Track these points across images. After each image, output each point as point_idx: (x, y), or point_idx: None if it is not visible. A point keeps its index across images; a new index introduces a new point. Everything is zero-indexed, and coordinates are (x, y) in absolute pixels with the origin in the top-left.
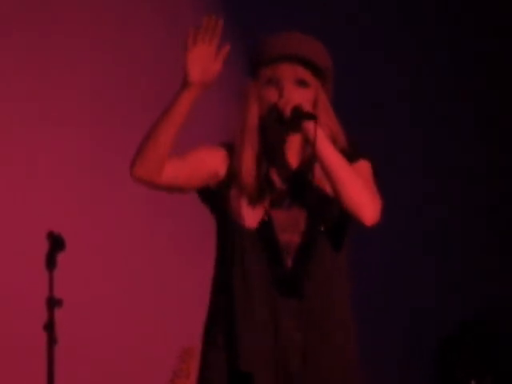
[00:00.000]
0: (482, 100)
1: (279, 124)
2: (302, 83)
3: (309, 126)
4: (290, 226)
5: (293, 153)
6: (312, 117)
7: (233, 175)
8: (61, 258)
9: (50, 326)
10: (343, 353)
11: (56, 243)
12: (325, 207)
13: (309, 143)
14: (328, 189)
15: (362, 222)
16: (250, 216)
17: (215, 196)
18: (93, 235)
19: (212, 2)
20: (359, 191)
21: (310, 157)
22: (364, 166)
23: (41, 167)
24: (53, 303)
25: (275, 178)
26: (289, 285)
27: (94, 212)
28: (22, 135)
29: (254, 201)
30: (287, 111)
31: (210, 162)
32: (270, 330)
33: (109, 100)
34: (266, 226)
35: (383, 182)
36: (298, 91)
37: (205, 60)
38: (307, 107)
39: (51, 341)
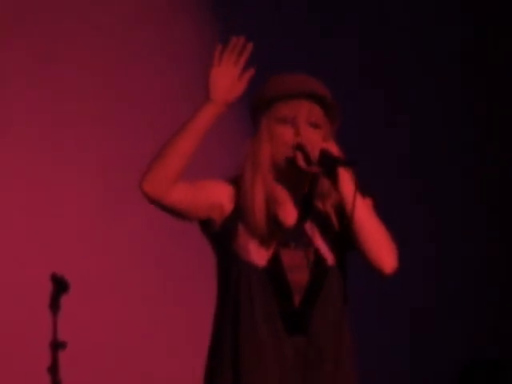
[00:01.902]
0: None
1: (306, 164)
2: (314, 125)
3: (345, 176)
4: (299, 264)
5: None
6: (351, 162)
7: (240, 213)
8: (64, 300)
9: (53, 368)
10: None
11: (59, 285)
12: (332, 244)
13: (339, 192)
14: (333, 222)
15: (381, 272)
16: (259, 254)
17: (221, 231)
18: (96, 277)
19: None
20: (382, 245)
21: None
22: (369, 204)
23: (44, 209)
24: (57, 345)
25: (284, 216)
26: (297, 323)
27: (97, 254)
28: (23, 176)
29: (263, 240)
30: (315, 153)
31: (217, 194)
32: (276, 369)
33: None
34: (275, 264)
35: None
36: (311, 131)
37: (229, 79)
38: (335, 152)
39: (55, 383)
